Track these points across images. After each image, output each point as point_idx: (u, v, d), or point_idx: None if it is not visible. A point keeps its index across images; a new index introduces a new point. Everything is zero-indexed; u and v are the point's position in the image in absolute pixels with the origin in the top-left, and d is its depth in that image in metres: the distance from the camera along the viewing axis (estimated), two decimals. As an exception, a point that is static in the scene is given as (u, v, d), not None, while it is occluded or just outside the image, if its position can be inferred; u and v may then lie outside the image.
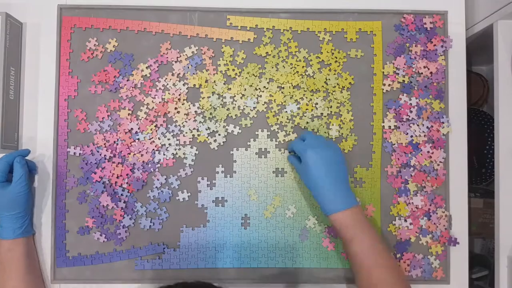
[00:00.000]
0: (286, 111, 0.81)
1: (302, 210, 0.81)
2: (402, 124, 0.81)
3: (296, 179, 0.81)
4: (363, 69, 0.83)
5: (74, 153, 0.80)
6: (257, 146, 0.81)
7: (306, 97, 0.82)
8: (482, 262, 1.07)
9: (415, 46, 0.82)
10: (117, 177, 0.79)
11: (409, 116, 0.81)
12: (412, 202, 0.81)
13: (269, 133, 0.82)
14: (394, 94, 0.82)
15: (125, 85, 0.80)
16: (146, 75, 0.81)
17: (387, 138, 0.81)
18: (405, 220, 0.80)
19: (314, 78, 0.82)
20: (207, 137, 0.81)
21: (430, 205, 0.81)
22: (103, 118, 0.80)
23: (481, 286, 1.06)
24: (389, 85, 0.82)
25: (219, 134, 0.81)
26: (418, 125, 0.81)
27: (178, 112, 0.80)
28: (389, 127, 0.82)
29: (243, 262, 0.80)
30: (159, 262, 0.79)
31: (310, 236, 0.81)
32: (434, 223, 0.80)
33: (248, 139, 0.81)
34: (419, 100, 0.81)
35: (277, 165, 0.81)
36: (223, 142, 0.81)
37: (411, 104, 0.81)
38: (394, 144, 0.81)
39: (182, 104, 0.81)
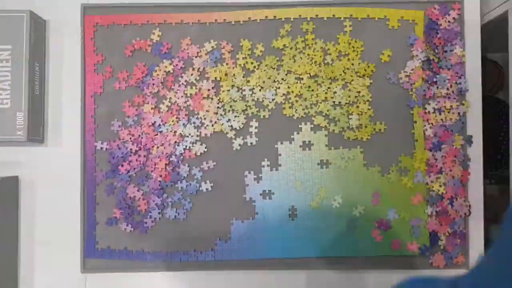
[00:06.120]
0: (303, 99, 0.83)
1: (349, 200, 0.83)
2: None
3: (341, 170, 0.83)
4: (382, 58, 0.84)
5: (101, 147, 0.83)
6: (301, 139, 0.83)
7: (325, 85, 0.83)
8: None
9: (437, 36, 0.83)
10: (154, 169, 0.82)
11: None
12: (438, 191, 0.82)
13: (312, 126, 0.83)
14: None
15: (150, 82, 0.83)
16: (169, 71, 0.83)
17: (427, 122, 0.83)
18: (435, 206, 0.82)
19: (333, 66, 0.84)
20: (232, 134, 0.83)
21: (453, 193, 0.82)
22: (128, 114, 0.83)
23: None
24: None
25: (240, 128, 0.83)
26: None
27: (207, 110, 0.83)
28: (429, 111, 0.83)
29: (291, 252, 0.82)
30: (211, 253, 0.82)
31: (358, 225, 0.82)
32: (456, 210, 0.82)
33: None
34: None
35: (322, 156, 0.83)
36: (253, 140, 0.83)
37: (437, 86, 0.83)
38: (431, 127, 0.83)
39: (204, 98, 0.83)
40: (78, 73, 0.84)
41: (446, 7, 0.84)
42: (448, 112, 0.83)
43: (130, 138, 0.82)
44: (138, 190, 0.82)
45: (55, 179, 0.84)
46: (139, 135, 0.82)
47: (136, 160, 0.82)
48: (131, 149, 0.82)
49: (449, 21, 0.84)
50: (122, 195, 0.82)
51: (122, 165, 0.82)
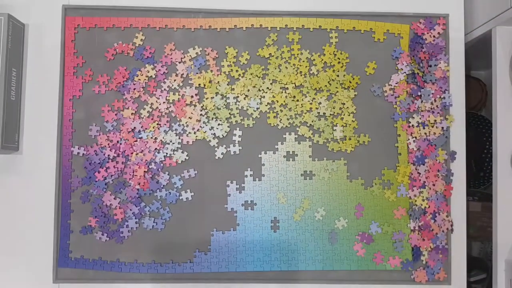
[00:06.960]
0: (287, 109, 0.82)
1: (332, 212, 0.81)
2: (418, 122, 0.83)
3: (324, 181, 0.82)
4: (367, 70, 0.84)
5: (78, 153, 0.80)
6: (285, 149, 0.82)
7: (310, 96, 0.83)
8: (479, 266, 1.07)
9: (422, 50, 0.84)
10: (132, 177, 0.79)
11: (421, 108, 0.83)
12: (421, 205, 0.82)
13: (296, 136, 0.82)
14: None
15: (131, 86, 0.81)
16: (151, 76, 0.82)
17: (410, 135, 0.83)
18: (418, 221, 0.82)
19: (318, 77, 0.83)
20: (212, 139, 0.81)
21: (436, 208, 0.82)
22: (107, 119, 0.80)
23: (479, 289, 1.06)
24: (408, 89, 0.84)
25: (223, 136, 0.81)
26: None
27: (190, 117, 0.81)
28: (412, 125, 0.83)
29: (273, 265, 0.80)
30: (190, 265, 0.79)
31: (340, 239, 0.81)
32: (438, 225, 0.81)
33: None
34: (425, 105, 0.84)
35: (305, 168, 0.82)
36: (237, 149, 0.82)
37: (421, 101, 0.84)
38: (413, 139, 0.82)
39: (187, 105, 0.81)
40: (56, 76, 0.81)
41: (431, 21, 0.84)
42: (432, 126, 0.83)
43: (108, 144, 0.80)
44: (114, 198, 0.79)
45: (30, 185, 0.81)
46: (117, 141, 0.80)
47: (114, 166, 0.79)
48: (108, 155, 0.79)
49: (434, 36, 0.84)
50: (98, 203, 0.79)
51: (98, 172, 0.79)
